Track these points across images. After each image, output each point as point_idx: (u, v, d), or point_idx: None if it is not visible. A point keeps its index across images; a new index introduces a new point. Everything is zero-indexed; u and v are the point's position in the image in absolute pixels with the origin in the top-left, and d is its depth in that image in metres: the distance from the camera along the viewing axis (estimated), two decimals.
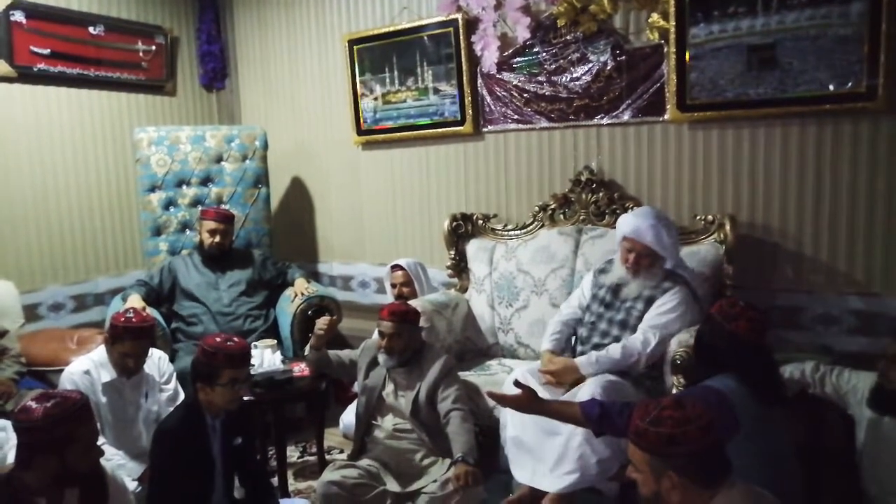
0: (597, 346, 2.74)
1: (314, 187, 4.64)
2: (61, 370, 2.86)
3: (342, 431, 3.57)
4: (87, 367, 2.70)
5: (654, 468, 1.51)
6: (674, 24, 3.07)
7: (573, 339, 2.93)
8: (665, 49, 3.17)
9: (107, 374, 2.70)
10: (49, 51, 3.94)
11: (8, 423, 2.50)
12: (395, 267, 3.64)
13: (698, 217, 3.14)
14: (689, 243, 3.09)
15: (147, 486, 2.33)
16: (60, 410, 1.78)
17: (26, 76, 3.87)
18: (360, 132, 4.24)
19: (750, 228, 3.11)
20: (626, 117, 3.36)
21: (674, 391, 2.48)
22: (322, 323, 2.89)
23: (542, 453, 2.54)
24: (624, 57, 3.31)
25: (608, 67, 3.36)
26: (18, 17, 3.77)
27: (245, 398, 2.35)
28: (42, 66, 3.92)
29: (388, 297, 3.63)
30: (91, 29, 4.16)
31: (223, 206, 4.01)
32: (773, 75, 2.94)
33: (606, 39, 3.34)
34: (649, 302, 2.71)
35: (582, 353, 2.76)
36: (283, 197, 4.74)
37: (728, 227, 2.94)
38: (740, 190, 3.14)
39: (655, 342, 2.61)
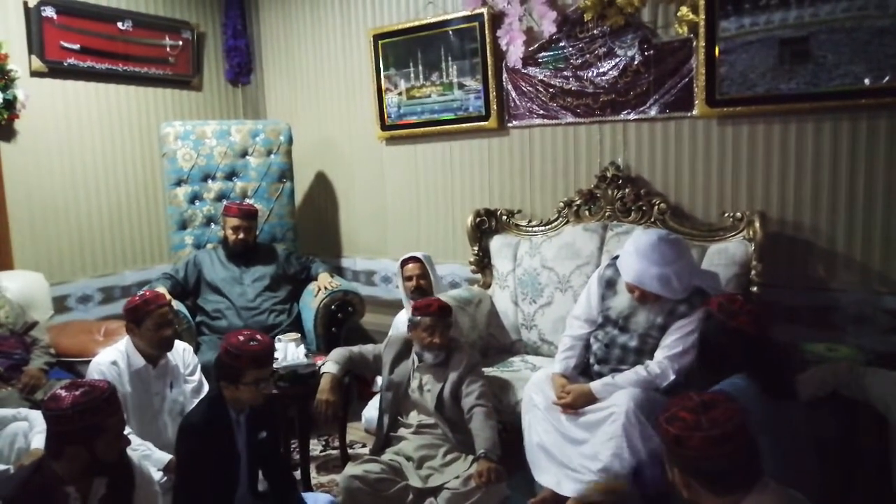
0: (614, 371, 2.61)
1: (338, 182, 4.64)
2: (89, 361, 2.90)
3: (364, 426, 3.57)
4: (115, 358, 2.73)
5: (668, 460, 1.54)
6: (703, 17, 3.02)
7: (587, 351, 2.80)
8: (694, 43, 3.12)
9: (134, 364, 2.72)
10: (79, 46, 3.99)
11: (32, 412, 2.55)
12: (410, 259, 3.61)
13: (727, 214, 3.09)
14: (716, 240, 3.05)
15: (173, 478, 2.35)
16: (89, 399, 1.80)
17: (57, 71, 3.92)
18: (384, 127, 4.24)
19: (780, 226, 3.06)
20: (653, 112, 3.32)
21: None
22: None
23: (567, 459, 2.51)
24: (651, 51, 3.26)
25: (635, 62, 3.31)
26: (49, 12, 3.83)
27: (270, 392, 2.35)
28: (72, 60, 3.98)
29: (402, 292, 3.61)
30: (119, 24, 4.21)
31: (247, 201, 4.03)
32: (805, 69, 2.88)
33: (634, 34, 3.30)
34: (663, 330, 2.56)
35: (599, 374, 2.66)
36: (307, 191, 4.75)
37: (758, 224, 2.88)
38: (770, 187, 3.08)
39: (673, 375, 2.48)
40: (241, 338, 2.25)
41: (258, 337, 2.29)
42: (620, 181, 3.37)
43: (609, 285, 2.73)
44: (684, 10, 3.09)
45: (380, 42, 4.12)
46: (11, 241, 3.77)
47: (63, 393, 1.82)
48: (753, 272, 2.88)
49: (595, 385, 2.56)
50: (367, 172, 4.45)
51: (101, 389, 1.85)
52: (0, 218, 3.72)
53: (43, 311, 3.48)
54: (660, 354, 2.53)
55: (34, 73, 3.82)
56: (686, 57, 3.17)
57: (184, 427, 2.29)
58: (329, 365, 2.79)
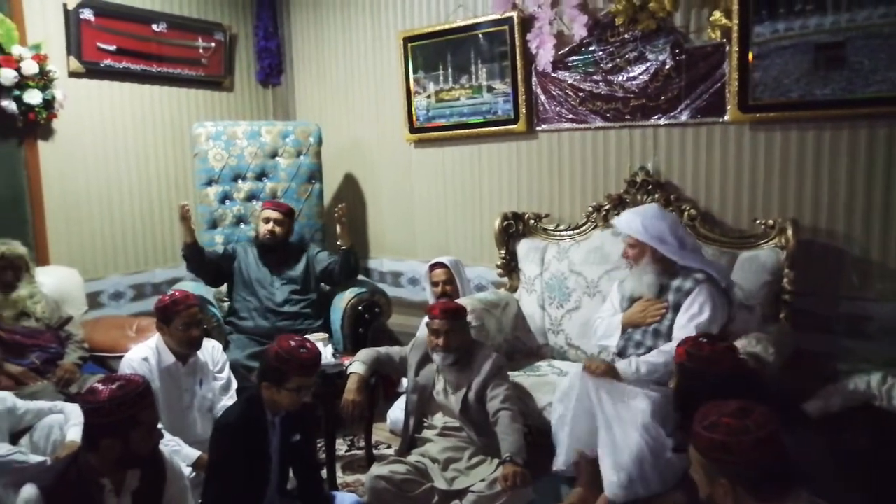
0: None
1: (366, 184, 4.68)
2: (121, 356, 2.95)
3: (389, 427, 3.60)
4: (146, 355, 2.78)
5: (708, 472, 1.49)
6: (737, 22, 2.99)
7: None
8: (727, 48, 3.09)
9: (164, 360, 2.77)
10: (115, 47, 4.07)
11: (67, 405, 2.60)
12: (437, 265, 3.62)
13: (758, 221, 3.05)
14: (747, 248, 3.02)
15: (204, 475, 2.38)
16: (125, 393, 1.84)
17: (93, 72, 4.01)
18: (412, 130, 4.26)
19: (813, 233, 3.01)
20: (684, 117, 3.29)
21: None
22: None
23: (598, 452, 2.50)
24: (683, 56, 3.24)
25: (666, 66, 3.29)
26: (87, 14, 3.91)
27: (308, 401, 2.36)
28: (108, 62, 4.06)
29: (429, 296, 3.62)
30: (154, 26, 4.28)
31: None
32: (841, 75, 2.84)
33: (665, 38, 3.28)
34: (676, 308, 2.61)
35: None
36: (336, 193, 4.79)
37: (790, 232, 2.85)
38: (803, 193, 3.04)
39: None
40: (293, 343, 2.25)
41: (308, 345, 2.29)
42: (650, 186, 3.35)
43: (623, 283, 2.82)
44: (717, 14, 3.06)
45: (409, 45, 4.14)
46: (48, 238, 3.85)
47: (100, 387, 1.86)
48: (785, 280, 2.85)
49: (621, 365, 2.56)
50: (395, 174, 4.47)
51: (137, 384, 1.89)
52: (37, 214, 3.81)
53: (77, 307, 3.56)
54: (680, 332, 2.53)
55: (72, 74, 3.91)
56: (718, 62, 3.14)
57: (220, 426, 2.31)
58: (356, 365, 2.81)
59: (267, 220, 3.70)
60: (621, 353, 2.73)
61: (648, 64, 3.34)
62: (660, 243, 2.63)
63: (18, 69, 3.54)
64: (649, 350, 2.62)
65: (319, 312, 3.76)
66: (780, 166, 3.08)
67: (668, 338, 2.60)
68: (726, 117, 3.16)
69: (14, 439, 2.46)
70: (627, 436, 2.39)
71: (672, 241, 2.64)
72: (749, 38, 3.00)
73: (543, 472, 2.68)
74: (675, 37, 3.25)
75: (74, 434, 2.39)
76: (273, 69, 4.99)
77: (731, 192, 3.22)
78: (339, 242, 3.71)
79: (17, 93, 3.56)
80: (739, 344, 2.49)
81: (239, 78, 4.87)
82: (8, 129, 3.66)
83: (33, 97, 3.59)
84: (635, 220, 2.68)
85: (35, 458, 2.25)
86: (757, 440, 1.43)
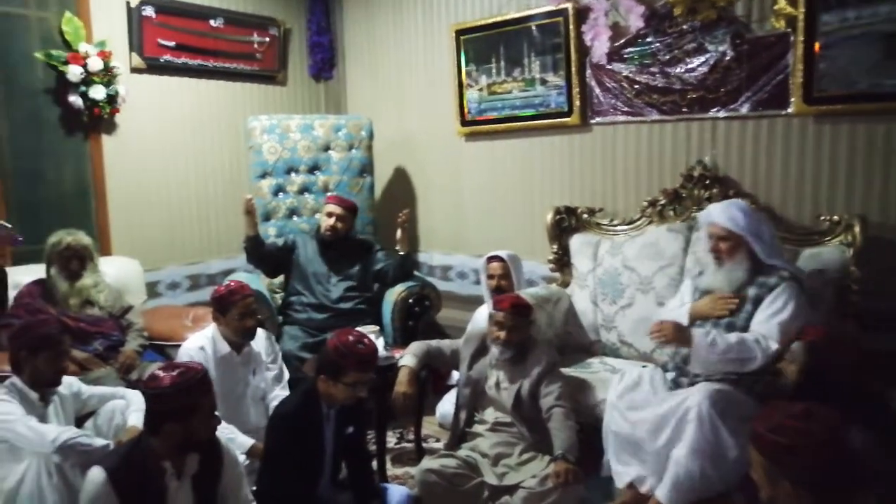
0: None
1: (416, 177, 4.69)
2: (178, 345, 3.04)
3: (438, 420, 3.60)
4: (202, 344, 2.84)
5: (770, 474, 1.46)
6: (803, 10, 2.89)
7: None
8: (791, 37, 2.98)
9: (220, 350, 2.83)
10: (174, 43, 4.17)
11: (129, 391, 2.68)
12: (494, 258, 3.59)
13: (822, 217, 2.94)
14: (810, 245, 2.92)
15: (259, 463, 2.42)
16: (185, 380, 1.89)
17: (153, 67, 4.12)
18: (463, 123, 4.25)
19: (881, 230, 2.89)
20: (744, 110, 3.20)
21: None
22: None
23: (649, 456, 2.46)
24: (745, 46, 3.14)
25: (727, 58, 3.20)
26: (149, 11, 4.01)
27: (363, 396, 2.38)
28: (168, 57, 4.16)
29: (483, 290, 3.60)
30: (212, 22, 4.37)
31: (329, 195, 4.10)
32: None
33: (726, 28, 3.18)
34: (756, 302, 2.52)
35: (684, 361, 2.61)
36: (386, 186, 4.82)
37: (857, 229, 2.75)
38: (871, 189, 2.92)
39: (775, 348, 2.40)
40: (351, 338, 2.27)
41: (366, 341, 2.31)
42: (707, 181, 3.27)
43: (699, 276, 2.74)
44: (782, 3, 2.96)
45: (462, 38, 4.13)
46: (110, 229, 3.98)
47: (161, 374, 1.91)
48: (851, 278, 2.75)
49: (697, 332, 2.46)
50: (446, 168, 4.47)
51: (196, 370, 1.94)
52: (101, 206, 3.94)
53: (137, 296, 3.66)
54: (756, 329, 2.46)
55: (134, 70, 4.02)
56: (782, 52, 3.04)
57: (276, 416, 2.35)
58: (407, 358, 2.82)
59: (330, 215, 3.70)
60: None
61: (708, 55, 3.26)
62: (755, 238, 2.55)
63: (85, 66, 3.66)
64: (725, 331, 2.53)
65: (374, 309, 3.75)
66: (846, 161, 2.97)
67: (743, 332, 2.51)
68: (790, 110, 3.05)
69: (79, 423, 2.54)
70: (682, 431, 2.34)
71: (767, 237, 2.57)
72: (815, 27, 2.89)
73: (595, 470, 2.66)
74: (737, 27, 3.16)
75: (135, 419, 2.46)
76: (325, 63, 5.04)
77: (794, 186, 3.11)
78: (397, 247, 3.72)
79: (83, 89, 3.69)
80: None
81: (292, 72, 4.93)
82: (74, 124, 3.80)
83: (98, 93, 3.71)
84: (732, 213, 2.58)
85: (100, 442, 2.32)
86: (821, 443, 1.39)
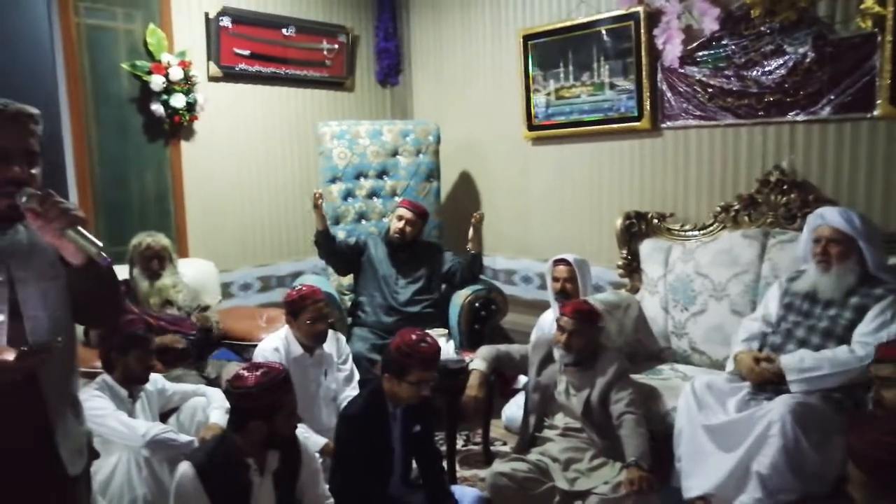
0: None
1: (482, 182, 4.70)
2: (253, 345, 3.13)
3: (504, 423, 3.61)
4: (277, 345, 2.92)
5: (870, 490, 1.42)
6: (892, 9, 2.78)
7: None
8: (879, 38, 2.87)
9: (293, 351, 2.91)
10: (249, 52, 4.31)
11: (209, 389, 2.78)
12: (560, 261, 3.57)
13: None
14: None
15: (331, 462, 2.48)
16: (269, 379, 1.96)
17: (229, 75, 4.26)
18: (530, 127, 4.24)
19: None
20: (825, 113, 3.09)
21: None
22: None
23: (719, 466, 2.41)
24: (828, 48, 3.04)
25: (807, 60, 3.10)
26: (226, 22, 4.15)
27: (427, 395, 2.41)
28: (242, 65, 4.30)
29: (549, 293, 3.58)
30: (284, 31, 4.49)
31: (396, 199, 4.15)
32: None
33: (807, 29, 3.09)
34: (858, 310, 2.44)
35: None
36: (452, 190, 4.85)
37: None
38: None
39: (869, 361, 2.27)
40: (414, 337, 2.32)
41: (428, 339, 2.35)
42: (785, 186, 3.18)
43: (792, 280, 2.70)
44: (869, 2, 2.84)
45: (529, 42, 4.13)
46: (188, 231, 4.14)
47: (245, 373, 1.98)
48: None
49: (788, 361, 2.42)
50: (512, 172, 4.47)
51: (278, 370, 2.01)
52: (179, 210, 4.10)
53: (213, 297, 3.79)
54: (858, 338, 2.38)
55: (211, 78, 4.17)
56: (868, 53, 2.93)
57: (344, 417, 2.42)
58: (478, 362, 2.84)
59: (400, 219, 3.76)
60: (776, 348, 2.60)
61: (787, 57, 3.16)
62: (868, 244, 2.49)
63: (166, 75, 3.82)
64: (816, 349, 2.47)
65: (441, 313, 3.78)
66: None
67: (841, 340, 2.45)
68: (875, 112, 2.94)
69: (162, 419, 2.65)
70: (762, 444, 2.28)
71: (878, 244, 2.52)
72: None
73: (665, 479, 2.62)
74: (819, 28, 3.06)
75: (217, 417, 2.55)
76: (392, 69, 5.11)
77: (880, 192, 3.00)
78: (468, 246, 3.75)
79: (164, 97, 3.85)
80: None
81: (359, 78, 5.01)
82: (156, 131, 3.97)
83: (178, 101, 3.87)
84: (848, 215, 2.53)
85: (185, 438, 2.42)
86: None
